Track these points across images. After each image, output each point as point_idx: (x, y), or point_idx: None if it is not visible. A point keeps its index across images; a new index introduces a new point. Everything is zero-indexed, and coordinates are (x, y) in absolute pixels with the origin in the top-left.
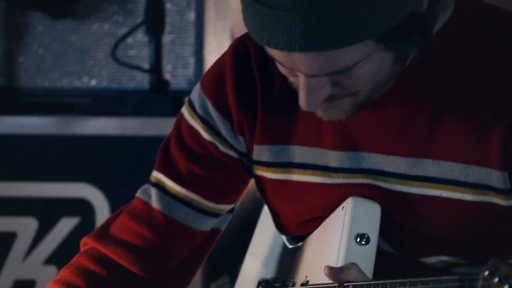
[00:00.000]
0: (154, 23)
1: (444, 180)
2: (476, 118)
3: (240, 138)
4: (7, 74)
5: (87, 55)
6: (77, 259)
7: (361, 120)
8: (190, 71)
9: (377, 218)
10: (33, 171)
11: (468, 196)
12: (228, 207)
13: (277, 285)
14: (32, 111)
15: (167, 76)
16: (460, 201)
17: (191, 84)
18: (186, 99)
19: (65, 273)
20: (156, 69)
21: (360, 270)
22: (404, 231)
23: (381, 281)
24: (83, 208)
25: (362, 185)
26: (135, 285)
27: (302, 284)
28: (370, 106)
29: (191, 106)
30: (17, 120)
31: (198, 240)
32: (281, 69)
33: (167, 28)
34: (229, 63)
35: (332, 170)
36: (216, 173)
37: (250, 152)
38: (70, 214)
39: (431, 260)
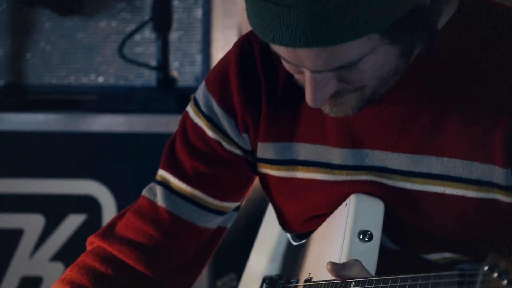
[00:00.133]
0: (162, 20)
1: (447, 177)
2: (480, 115)
3: (245, 135)
4: (15, 71)
5: (94, 52)
6: (82, 258)
7: (365, 117)
8: (197, 68)
9: (380, 215)
10: (40, 168)
11: (471, 193)
12: (233, 205)
13: (281, 282)
14: (39, 108)
15: (174, 73)
16: (463, 197)
17: (198, 81)
18: (192, 97)
19: (71, 272)
20: (163, 66)
21: (363, 266)
22: (407, 228)
23: (383, 277)
24: (89, 205)
25: (366, 182)
26: (140, 284)
27: (306, 281)
28: (374, 103)
29: (196, 104)
30: (24, 117)
31: (204, 238)
32: (287, 66)
33: (174, 25)
34: (234, 61)
35: (336, 167)
36: (221, 171)
37: (254, 149)
38: (77, 211)
39: (434, 257)
